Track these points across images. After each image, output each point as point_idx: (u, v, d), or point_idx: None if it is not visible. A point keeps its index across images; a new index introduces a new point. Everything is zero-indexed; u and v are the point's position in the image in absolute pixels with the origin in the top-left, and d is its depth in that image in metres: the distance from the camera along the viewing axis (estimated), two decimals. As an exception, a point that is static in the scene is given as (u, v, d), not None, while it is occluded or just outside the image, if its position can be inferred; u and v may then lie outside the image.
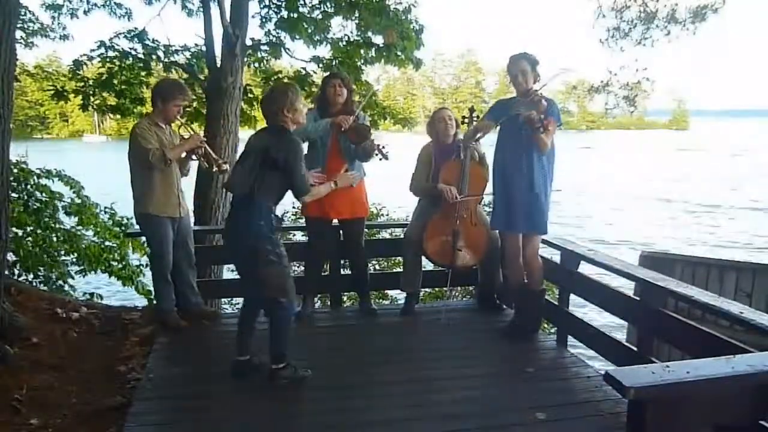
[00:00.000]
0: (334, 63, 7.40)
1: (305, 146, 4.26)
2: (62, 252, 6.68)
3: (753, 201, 24.66)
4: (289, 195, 3.42)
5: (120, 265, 6.89)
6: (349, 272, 4.80)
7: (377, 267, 6.92)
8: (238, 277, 3.64)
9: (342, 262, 4.86)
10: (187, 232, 4.26)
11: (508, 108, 3.80)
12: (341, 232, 4.53)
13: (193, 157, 4.18)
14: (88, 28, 9.25)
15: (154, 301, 6.34)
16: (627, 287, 4.65)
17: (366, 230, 4.65)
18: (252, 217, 3.21)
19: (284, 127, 3.30)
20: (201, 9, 6.79)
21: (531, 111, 3.54)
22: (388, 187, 7.44)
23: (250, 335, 3.47)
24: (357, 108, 4.28)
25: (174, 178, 4.04)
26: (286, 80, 7.71)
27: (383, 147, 4.11)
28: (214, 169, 4.27)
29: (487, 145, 4.28)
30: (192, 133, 4.21)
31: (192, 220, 4.56)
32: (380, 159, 4.13)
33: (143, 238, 6.78)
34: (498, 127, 3.92)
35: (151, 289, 6.66)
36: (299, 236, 6.47)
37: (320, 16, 7.19)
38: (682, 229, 19.04)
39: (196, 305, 4.35)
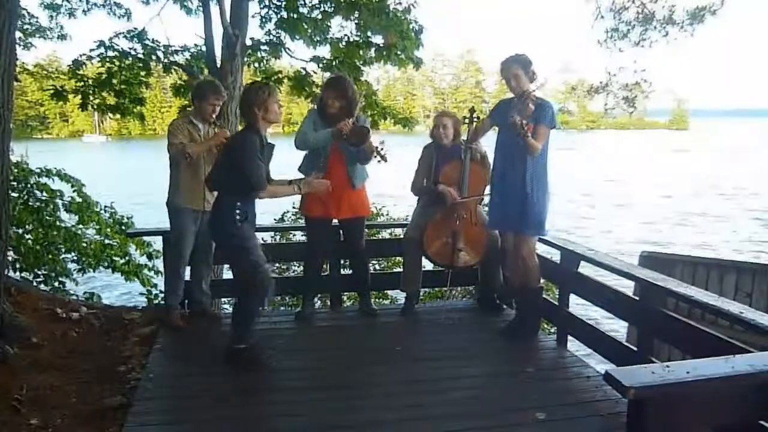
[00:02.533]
0: (334, 63, 7.39)
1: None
2: (63, 250, 6.68)
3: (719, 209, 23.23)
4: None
5: (123, 260, 6.90)
6: (350, 272, 4.81)
7: (377, 267, 6.92)
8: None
9: (342, 262, 4.86)
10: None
11: (506, 109, 3.80)
12: (342, 231, 4.53)
13: None
14: (88, 28, 9.25)
15: (156, 300, 6.37)
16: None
17: (366, 230, 4.65)
18: (219, 213, 3.48)
19: (253, 126, 3.43)
20: (201, 9, 6.79)
21: (515, 116, 3.59)
22: (389, 186, 7.45)
23: None
24: (356, 111, 4.28)
25: (202, 172, 4.11)
26: (286, 80, 7.73)
27: (382, 149, 4.11)
28: None
29: (488, 145, 4.28)
30: (218, 129, 4.28)
31: None
32: (378, 161, 4.13)
33: (144, 238, 6.84)
34: (497, 128, 3.94)
35: (154, 283, 6.69)
36: (299, 236, 6.48)
37: (320, 16, 7.19)
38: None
39: (199, 304, 4.36)
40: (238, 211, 3.40)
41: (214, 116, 4.23)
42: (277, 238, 7.09)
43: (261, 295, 3.49)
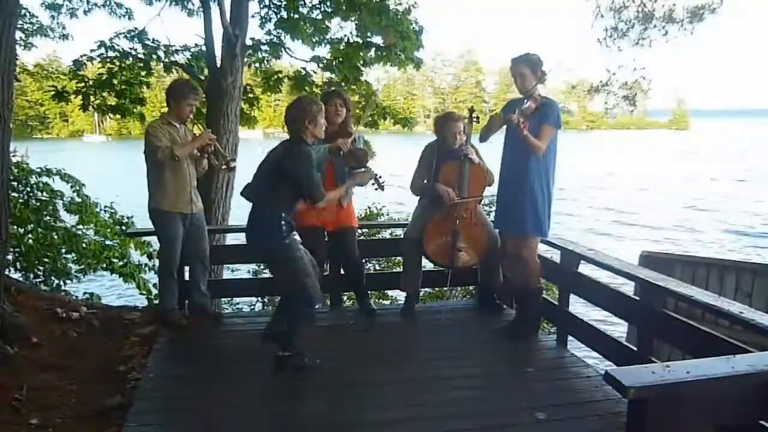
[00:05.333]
0: (334, 63, 7.39)
1: None
2: (63, 250, 6.68)
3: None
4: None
5: (121, 263, 6.89)
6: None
7: (377, 267, 6.91)
8: (238, 277, 3.70)
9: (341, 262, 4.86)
10: (199, 229, 4.29)
11: (513, 108, 3.81)
12: (332, 242, 4.50)
13: (205, 154, 4.23)
14: (89, 28, 9.26)
15: (156, 300, 6.37)
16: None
17: (366, 230, 4.65)
18: (265, 225, 3.43)
19: (301, 138, 3.44)
20: (201, 9, 6.79)
21: (514, 112, 3.60)
22: (388, 186, 7.43)
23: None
24: (354, 131, 4.29)
25: (186, 175, 4.11)
26: (286, 80, 7.73)
27: (380, 176, 4.06)
28: (223, 167, 4.37)
29: (489, 144, 4.25)
30: (202, 131, 4.25)
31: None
32: (376, 189, 4.08)
33: (144, 238, 6.83)
34: (505, 127, 3.93)
35: (152, 287, 6.68)
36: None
37: (320, 16, 7.19)
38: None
39: (200, 305, 4.36)
40: (284, 223, 3.40)
41: (191, 116, 4.18)
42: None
43: (309, 302, 3.47)
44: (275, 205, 3.41)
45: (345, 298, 5.58)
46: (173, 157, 3.94)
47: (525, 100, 3.69)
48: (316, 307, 3.59)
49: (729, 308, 2.69)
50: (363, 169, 4.05)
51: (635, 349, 3.40)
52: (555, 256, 4.21)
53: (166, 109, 4.18)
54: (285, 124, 3.52)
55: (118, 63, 7.23)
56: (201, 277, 4.36)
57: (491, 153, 4.31)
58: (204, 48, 6.75)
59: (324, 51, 7.52)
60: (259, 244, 3.54)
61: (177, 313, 4.24)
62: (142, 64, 7.25)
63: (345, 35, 7.44)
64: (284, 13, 7.11)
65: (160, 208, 4.07)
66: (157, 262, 6.76)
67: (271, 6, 7.25)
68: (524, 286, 4.04)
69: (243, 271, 7.01)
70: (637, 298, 3.53)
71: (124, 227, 7.13)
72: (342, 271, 4.86)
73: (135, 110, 7.70)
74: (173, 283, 4.23)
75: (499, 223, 4.10)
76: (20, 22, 7.40)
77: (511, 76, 3.85)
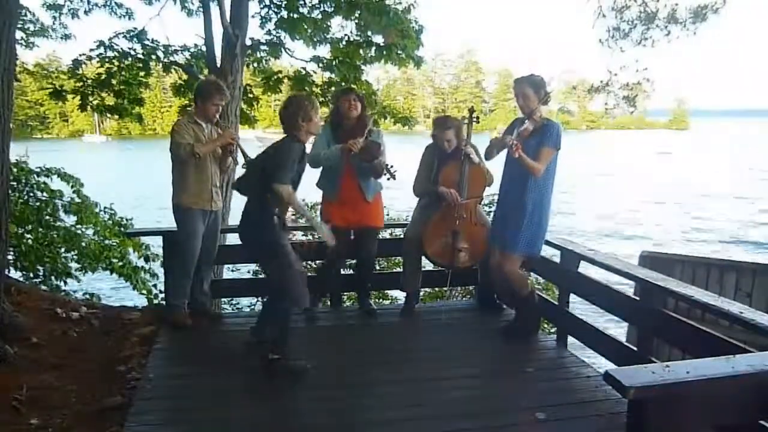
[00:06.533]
0: (334, 63, 7.39)
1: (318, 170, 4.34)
2: (62, 250, 6.68)
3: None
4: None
5: (121, 263, 6.89)
6: (350, 272, 4.80)
7: (377, 267, 6.91)
8: (238, 277, 3.72)
9: (344, 261, 4.86)
10: (215, 228, 4.31)
11: (514, 128, 3.83)
12: (354, 240, 4.51)
13: (228, 153, 4.26)
14: (89, 28, 9.25)
15: (156, 300, 6.36)
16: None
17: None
18: (258, 218, 3.46)
19: (296, 136, 3.46)
20: (201, 9, 6.79)
21: (509, 134, 3.66)
22: (389, 186, 7.43)
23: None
24: (369, 124, 4.32)
25: (209, 172, 4.15)
26: (286, 80, 7.74)
27: (391, 166, 4.18)
28: (243, 167, 4.35)
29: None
30: (225, 130, 4.26)
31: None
32: (388, 179, 4.21)
33: (142, 240, 6.83)
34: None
35: (152, 287, 6.67)
36: (299, 236, 6.47)
37: (320, 16, 7.19)
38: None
39: (201, 304, 4.36)
40: (277, 219, 3.44)
41: (217, 116, 4.22)
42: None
43: (291, 302, 3.50)
44: (269, 203, 3.45)
45: (345, 298, 5.59)
46: (193, 155, 3.99)
47: (525, 121, 3.71)
48: (299, 308, 3.61)
49: (729, 308, 2.69)
50: (376, 161, 4.15)
51: (635, 349, 3.40)
52: (555, 256, 4.21)
53: (180, 109, 4.20)
54: (281, 123, 3.54)
55: (117, 63, 7.22)
56: (206, 276, 4.37)
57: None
58: (204, 48, 6.75)
59: (324, 51, 7.53)
60: (251, 237, 3.59)
61: (182, 312, 4.23)
62: (141, 65, 7.24)
63: (345, 34, 7.45)
64: (284, 13, 7.11)
65: (182, 203, 4.12)
66: (154, 265, 6.79)
67: (271, 6, 7.25)
68: (513, 296, 4.09)
69: (243, 271, 7.02)
70: (637, 298, 3.54)
71: (123, 228, 7.12)
72: (343, 271, 4.88)
73: (133, 111, 7.69)
74: (187, 281, 4.22)
75: (491, 238, 4.12)
76: (21, 21, 7.40)
77: (514, 96, 3.86)
